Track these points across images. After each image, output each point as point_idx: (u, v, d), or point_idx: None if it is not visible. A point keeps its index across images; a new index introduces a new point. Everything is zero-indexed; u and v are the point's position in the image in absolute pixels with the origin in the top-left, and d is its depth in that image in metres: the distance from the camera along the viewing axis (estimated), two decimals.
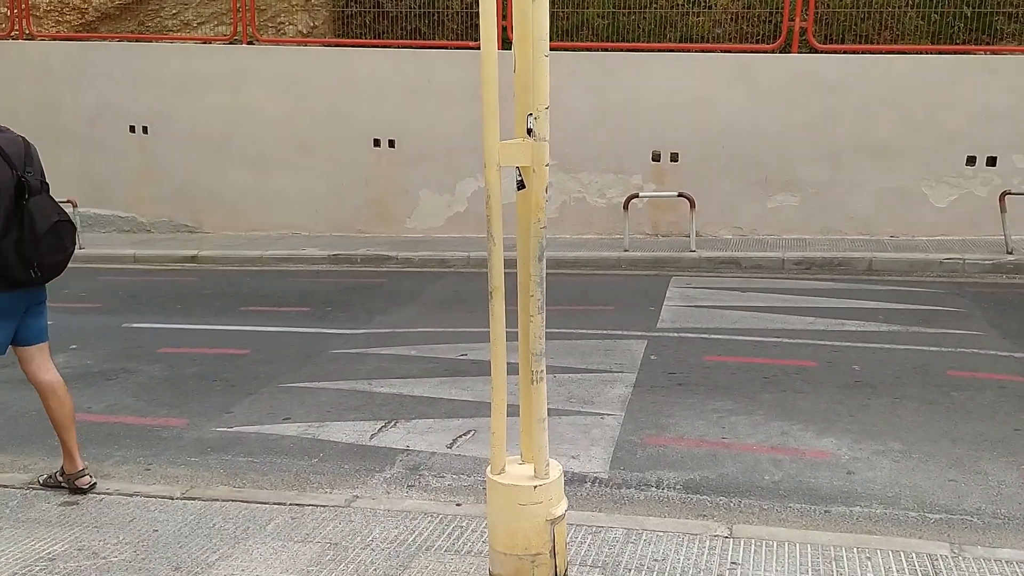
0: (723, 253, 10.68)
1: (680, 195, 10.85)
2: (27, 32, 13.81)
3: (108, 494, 4.54)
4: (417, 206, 12.89)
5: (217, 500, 4.40)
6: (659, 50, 12.15)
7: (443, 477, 4.73)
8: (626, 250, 10.98)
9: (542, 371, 3.08)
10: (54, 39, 14.09)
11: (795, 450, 4.85)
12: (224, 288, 10.08)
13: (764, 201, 11.74)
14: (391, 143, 12.81)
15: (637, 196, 11.14)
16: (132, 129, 13.42)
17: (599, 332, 7.44)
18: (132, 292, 9.92)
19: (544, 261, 3.05)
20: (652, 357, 6.63)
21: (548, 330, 7.46)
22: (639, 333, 7.30)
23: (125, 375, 6.70)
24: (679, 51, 12.08)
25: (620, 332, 7.39)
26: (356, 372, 6.56)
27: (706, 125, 11.72)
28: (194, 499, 4.43)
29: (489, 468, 3.20)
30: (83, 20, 14.53)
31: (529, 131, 3.05)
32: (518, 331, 3.32)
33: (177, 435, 5.47)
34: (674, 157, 11.88)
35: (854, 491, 4.36)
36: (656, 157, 11.96)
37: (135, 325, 8.28)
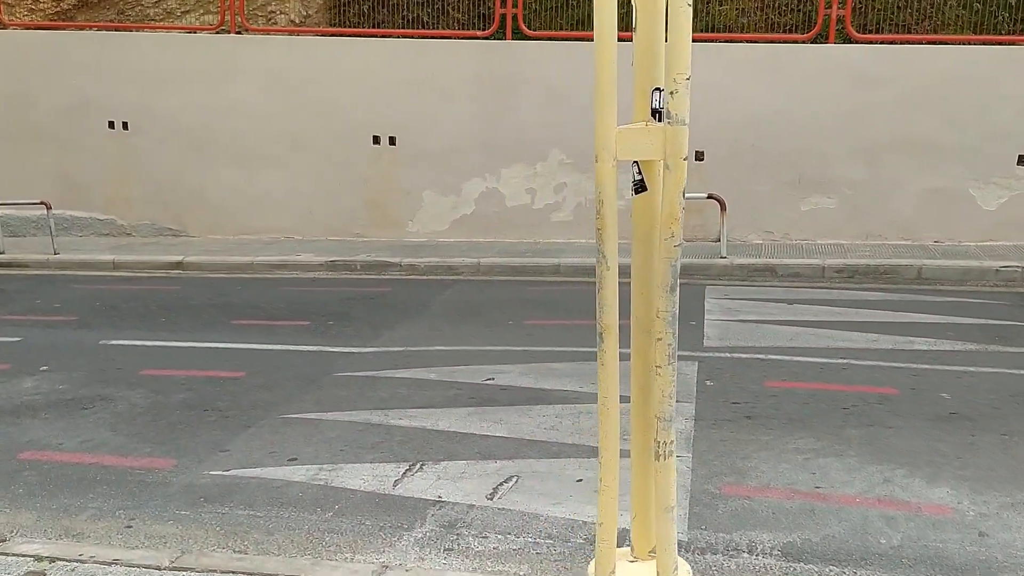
0: (757, 260, 9.97)
1: (710, 197, 10.13)
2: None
3: (82, 561, 3.77)
4: (420, 208, 12.12)
5: (215, 572, 3.64)
6: None
7: (486, 537, 3.97)
8: None
9: (671, 443, 2.31)
10: (26, 28, 13.24)
11: (907, 503, 4.12)
12: (212, 298, 9.29)
13: (797, 203, 11.04)
14: (391, 140, 12.04)
15: None
16: (111, 125, 12.59)
17: None
18: (111, 303, 9.11)
19: (677, 293, 2.29)
20: (708, 383, 5.89)
21: (577, 348, 6.72)
22: (686, 353, 6.57)
23: (103, 403, 5.91)
24: (703, 41, 11.35)
25: None
26: (369, 400, 5.80)
27: (734, 121, 11.01)
28: (186, 570, 3.67)
29: (593, 568, 2.43)
30: (58, 8, 13.69)
31: (655, 113, 2.29)
32: (631, 385, 2.55)
33: (164, 480, 4.70)
34: (699, 156, 11.17)
35: (993, 559, 3.63)
36: None
37: (114, 342, 7.48)
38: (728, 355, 6.55)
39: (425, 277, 10.40)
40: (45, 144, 12.71)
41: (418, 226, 12.16)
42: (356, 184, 12.20)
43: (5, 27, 13.04)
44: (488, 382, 6.07)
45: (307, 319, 8.25)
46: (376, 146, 12.09)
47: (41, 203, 11.60)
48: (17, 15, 13.53)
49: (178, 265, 11.03)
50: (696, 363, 6.33)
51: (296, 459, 4.89)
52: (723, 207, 10.05)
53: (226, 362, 6.82)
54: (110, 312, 8.69)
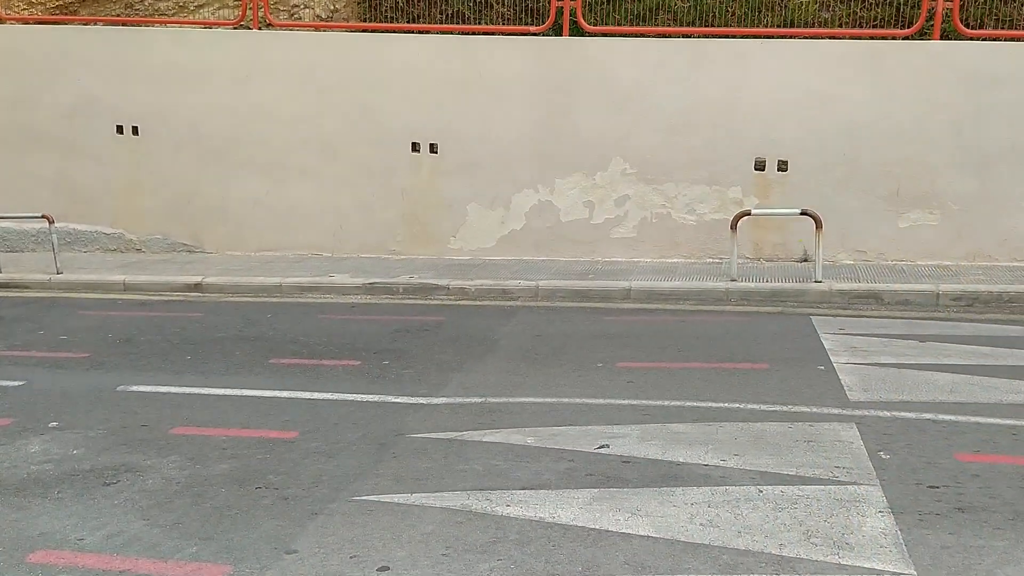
0: (857, 284, 8.93)
1: (804, 213, 9.08)
2: None
3: None
4: (463, 223, 11.08)
5: None
6: (760, 36, 10.40)
7: None
8: (734, 279, 9.20)
9: None
10: (25, 23, 12.21)
11: None
12: (242, 329, 8.24)
13: (894, 219, 10.00)
14: (432, 148, 11.00)
15: (749, 213, 9.35)
16: (120, 130, 11.55)
17: (775, 408, 5.64)
18: (126, 334, 8.06)
19: None
20: (882, 455, 4.83)
21: (696, 402, 5.65)
22: (834, 411, 5.52)
23: (129, 477, 4.85)
24: (785, 37, 10.33)
25: (806, 409, 5.60)
26: (460, 476, 4.74)
27: (822, 127, 9.98)
28: None
29: None
30: (60, 2, 12.66)
31: None
32: None
33: None
34: (782, 166, 10.13)
35: None
36: (760, 165, 10.20)
37: (135, 388, 6.42)
38: (887, 413, 5.48)
39: (478, 303, 9.35)
40: (46, 150, 11.67)
41: (461, 243, 11.11)
42: (393, 196, 11.15)
43: (2, 21, 12.01)
44: (603, 451, 5.00)
45: (357, 357, 7.20)
46: (415, 154, 11.04)
47: (43, 217, 10.55)
48: (15, 8, 12.50)
49: (197, 287, 9.99)
50: (854, 425, 5.27)
51: (388, 568, 3.84)
52: (819, 224, 9.00)
53: (272, 417, 5.76)
54: (126, 347, 7.63)
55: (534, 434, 5.28)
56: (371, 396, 6.17)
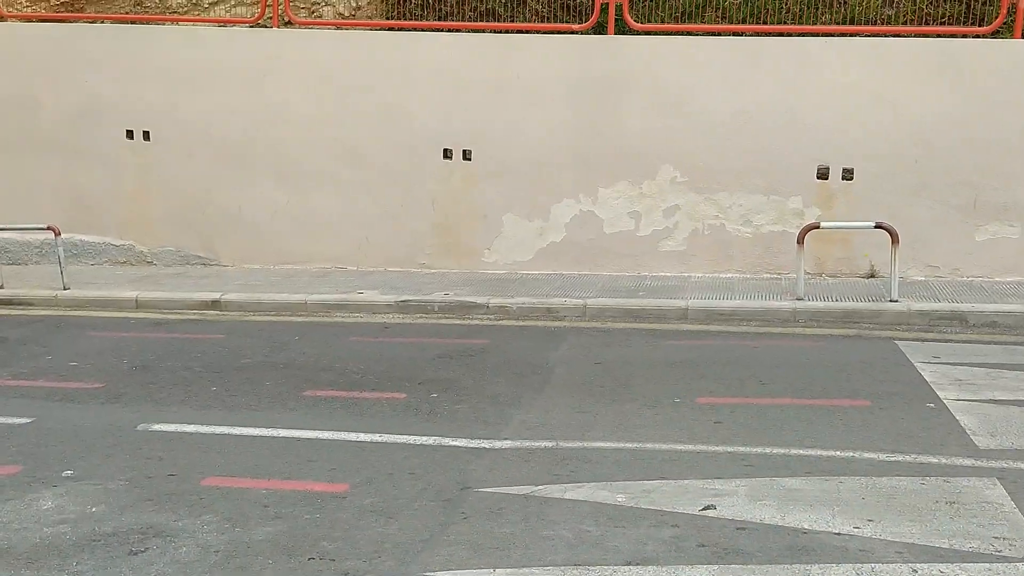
0: (938, 304, 8.28)
1: (878, 226, 8.42)
2: None
3: None
4: (499, 235, 10.42)
5: None
6: (818, 33, 9.76)
7: None
8: (800, 298, 8.55)
9: None
10: (28, 20, 11.57)
11: None
12: (269, 354, 7.57)
13: (970, 232, 9.36)
14: (465, 154, 10.35)
15: (818, 227, 8.68)
16: (129, 134, 10.90)
17: (896, 457, 4.97)
18: (143, 360, 7.39)
19: None
20: None
21: (806, 450, 4.97)
22: (965, 462, 4.86)
23: (159, 543, 4.19)
24: (846, 35, 9.68)
25: (933, 459, 4.92)
26: (548, 546, 4.07)
27: (891, 132, 9.34)
28: None
29: None
30: None
31: None
32: None
33: None
34: (847, 174, 9.48)
35: None
36: (823, 174, 9.55)
37: (158, 427, 5.76)
38: None
39: (521, 323, 8.69)
40: (50, 155, 11.02)
41: (496, 256, 10.46)
42: (422, 205, 10.50)
43: (3, 19, 11.36)
44: (709, 513, 4.34)
45: (400, 388, 6.54)
46: (447, 160, 10.39)
47: (48, 228, 9.89)
48: (17, 5, 11.86)
49: (215, 304, 9.33)
50: (996, 481, 4.60)
51: None
52: (895, 239, 8.34)
53: (315, 465, 5.10)
54: (143, 375, 6.96)
55: (624, 490, 4.62)
56: (424, 438, 5.51)
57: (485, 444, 5.40)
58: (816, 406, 5.90)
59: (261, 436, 5.59)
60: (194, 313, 9.24)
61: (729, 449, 5.16)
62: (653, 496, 4.54)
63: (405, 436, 5.55)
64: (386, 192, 10.54)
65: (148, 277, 10.47)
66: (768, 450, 5.12)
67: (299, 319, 8.97)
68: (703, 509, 4.37)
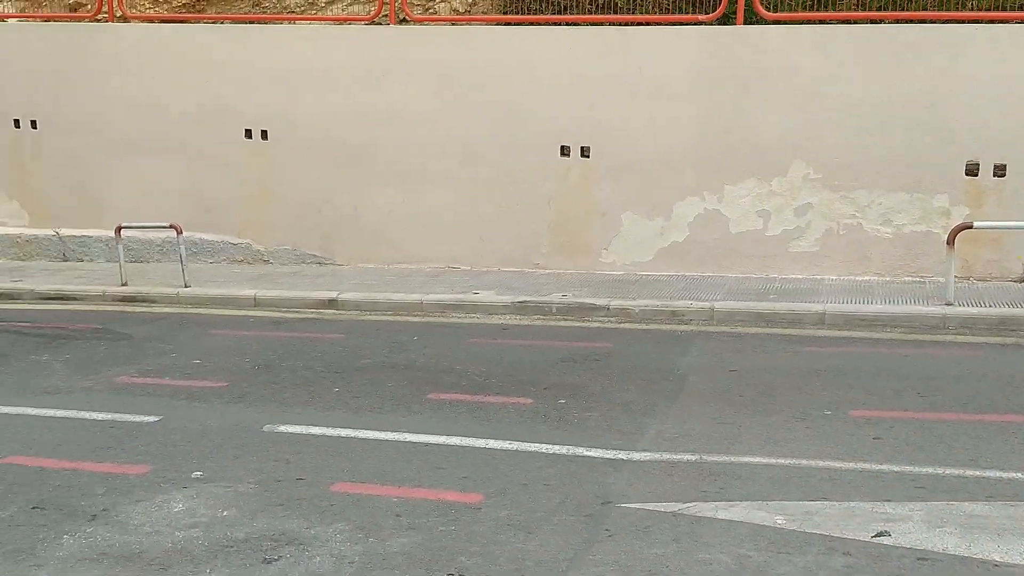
0: None
1: None
2: (118, 13, 11.54)
3: None
4: (617, 234, 10.10)
5: None
6: (965, 20, 9.11)
7: None
8: (950, 303, 7.96)
9: None
10: (150, 22, 11.82)
11: None
12: (388, 355, 7.44)
13: None
14: (583, 151, 10.07)
15: (971, 227, 8.08)
16: (248, 134, 11.01)
17: None
18: (264, 359, 7.35)
19: None
20: None
21: (980, 471, 4.38)
22: None
23: (293, 552, 4.04)
24: (997, 21, 9.00)
25: None
26: (706, 571, 3.74)
27: None
28: None
29: None
30: (186, 0, 12.26)
31: None
32: None
33: None
34: (998, 170, 8.83)
35: None
36: (972, 170, 8.91)
37: (284, 428, 5.66)
38: None
39: (644, 326, 8.36)
40: (172, 155, 11.22)
41: (614, 256, 10.14)
42: (538, 204, 10.26)
43: (127, 20, 11.64)
44: (883, 541, 3.94)
45: (525, 393, 6.30)
46: (564, 158, 10.13)
47: (171, 226, 10.04)
48: (140, 7, 12.15)
49: (332, 303, 9.29)
50: None
51: None
52: None
53: (446, 473, 4.90)
54: (266, 375, 6.91)
55: (782, 511, 4.25)
56: (557, 447, 5.25)
57: (622, 455, 5.10)
58: (986, 422, 5.39)
59: (387, 440, 5.43)
60: (311, 312, 9.22)
61: (895, 468, 4.72)
62: (816, 519, 4.16)
63: (536, 444, 5.30)
64: (502, 191, 10.35)
65: (265, 276, 10.54)
66: (939, 470, 4.67)
67: (415, 319, 8.84)
68: (876, 536, 3.97)
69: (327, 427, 5.66)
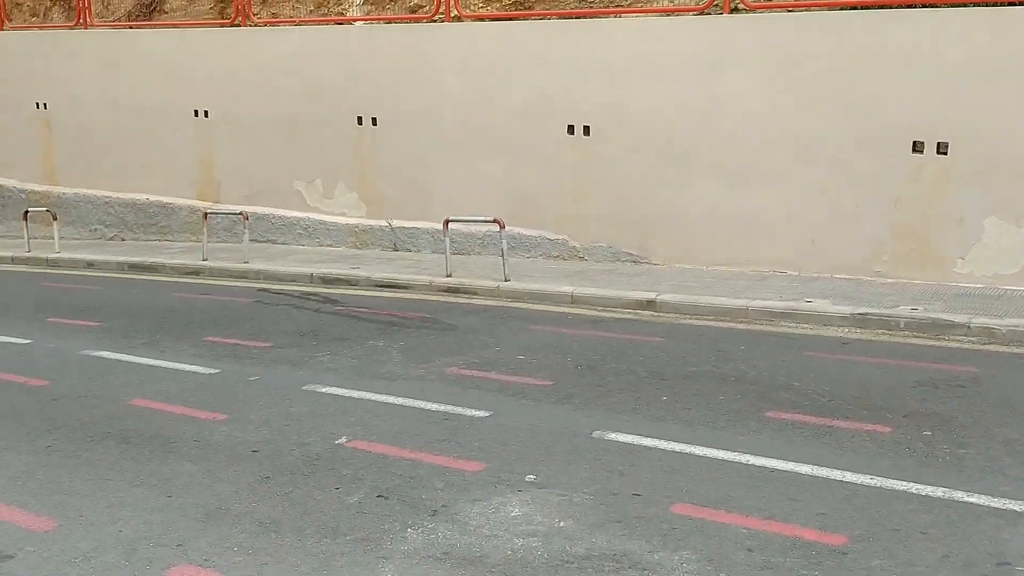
0: None
1: None
2: (454, 13, 12.00)
3: None
4: (977, 241, 8.93)
5: None
6: None
7: None
8: None
9: None
10: (481, 19, 12.17)
11: None
12: (716, 364, 6.98)
13: None
14: (940, 148, 9.00)
15: None
16: (570, 130, 11.00)
17: None
18: (586, 359, 7.19)
19: None
20: None
21: None
22: None
23: None
24: None
25: None
26: None
27: None
28: None
29: None
30: None
31: None
32: None
33: None
34: None
35: None
36: None
37: (613, 437, 5.39)
38: None
39: (1012, 349, 7.24)
40: (497, 151, 11.49)
41: (971, 267, 8.95)
42: (882, 206, 9.30)
43: (460, 19, 12.07)
44: None
45: (881, 420, 5.58)
46: (917, 155, 9.09)
47: (494, 220, 10.25)
48: (472, 7, 12.56)
49: (650, 304, 8.99)
50: None
51: None
52: None
53: (799, 506, 4.37)
54: (589, 376, 6.73)
55: None
56: (929, 488, 4.54)
57: (1014, 506, 4.30)
58: None
59: (727, 461, 5.00)
60: (629, 312, 8.97)
61: None
62: None
63: (903, 483, 4.62)
64: (838, 191, 9.50)
65: (581, 272, 10.46)
66: None
67: (740, 326, 8.30)
68: None
69: (659, 439, 5.33)
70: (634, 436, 5.39)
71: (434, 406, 6.07)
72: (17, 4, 16.52)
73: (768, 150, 9.82)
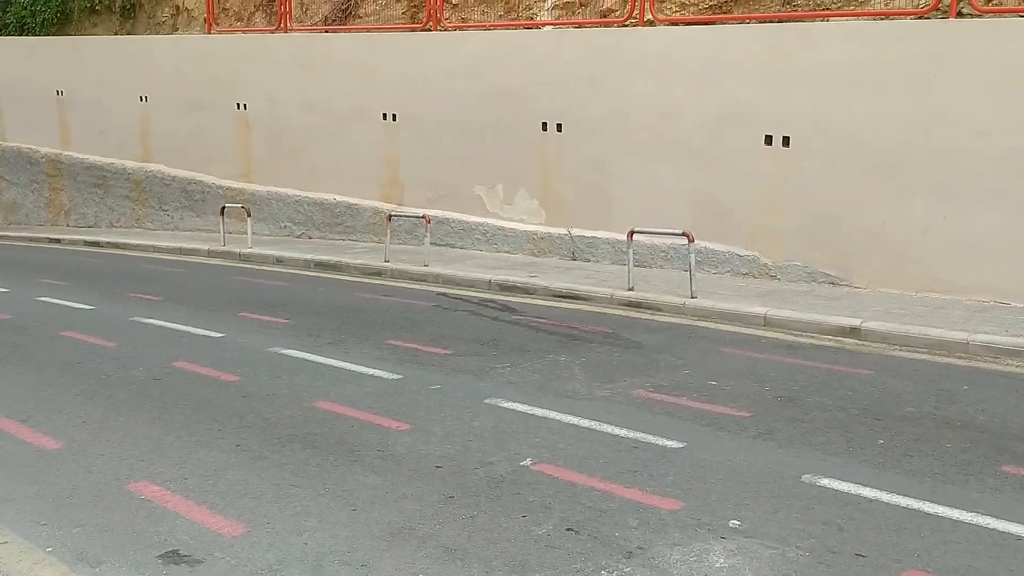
0: None
1: None
2: (648, 16, 11.61)
3: None
4: None
5: None
6: None
7: None
8: None
9: None
10: (675, 24, 11.72)
11: None
12: (936, 406, 6.26)
13: None
14: None
15: None
16: (768, 140, 10.39)
17: None
18: (784, 390, 6.64)
19: None
20: None
21: None
22: None
23: None
24: None
25: None
26: None
27: None
28: None
29: None
30: (713, 2, 11.97)
31: None
32: None
33: None
34: None
35: None
36: None
37: (826, 483, 4.87)
38: None
39: None
40: (685, 160, 11.02)
41: None
42: None
43: (653, 24, 11.66)
44: None
45: None
46: None
47: (683, 234, 9.79)
48: (667, 10, 12.13)
49: (853, 332, 8.29)
50: None
51: None
52: None
53: None
54: (790, 409, 6.19)
55: None
56: None
57: None
58: None
59: (963, 522, 4.39)
60: (829, 339, 8.30)
61: None
62: None
63: None
64: None
65: (773, 292, 9.83)
66: None
67: (959, 363, 7.49)
68: None
69: (880, 490, 4.77)
70: (850, 484, 4.85)
71: (622, 431, 5.72)
72: (224, 9, 17.43)
73: (993, 166, 8.90)
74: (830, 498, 4.69)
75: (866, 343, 8.15)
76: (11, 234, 18.32)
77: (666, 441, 5.54)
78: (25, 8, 20.59)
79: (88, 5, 19.74)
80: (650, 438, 5.59)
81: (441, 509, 4.60)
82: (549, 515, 4.50)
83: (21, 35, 20.53)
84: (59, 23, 20.31)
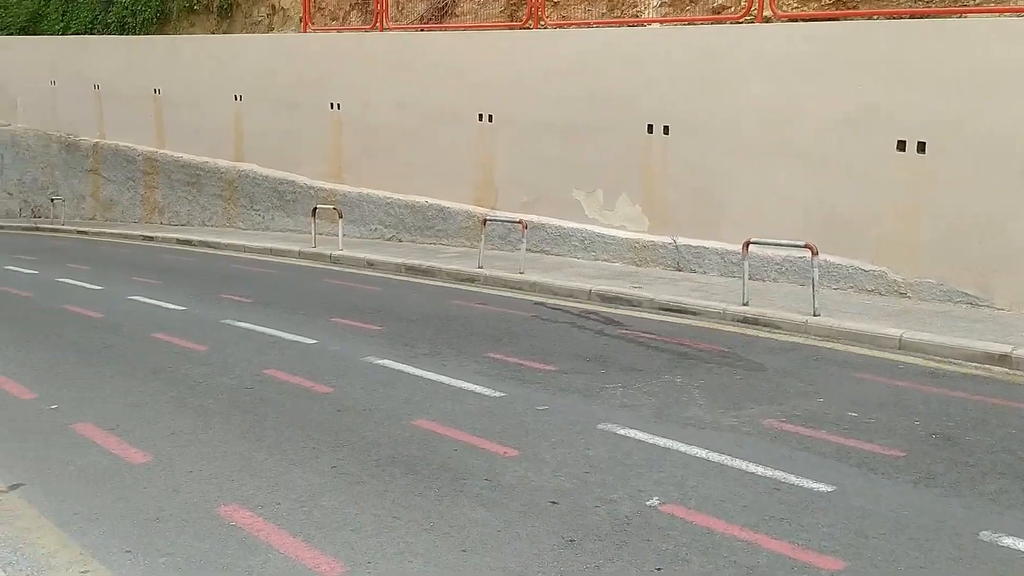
0: None
1: None
2: (767, 13, 10.89)
3: None
4: None
5: None
6: None
7: None
8: None
9: None
10: (794, 20, 10.98)
11: None
12: None
13: None
14: None
15: None
16: (900, 146, 9.57)
17: None
18: (938, 426, 5.89)
19: None
20: None
21: None
22: None
23: None
24: None
25: None
26: None
27: None
28: None
29: None
30: None
31: None
32: None
33: None
34: None
35: None
36: None
37: (1009, 542, 4.18)
38: None
39: None
40: (803, 166, 10.28)
41: None
42: None
43: (772, 20, 10.94)
44: None
45: None
46: None
47: (805, 246, 9.07)
48: (785, 6, 11.39)
49: (1003, 360, 7.46)
50: None
51: None
52: None
53: None
54: (949, 449, 5.46)
55: None
56: None
57: None
58: None
59: None
60: (976, 367, 7.49)
61: None
62: None
63: None
64: None
65: (906, 312, 9.02)
66: None
67: None
68: None
69: None
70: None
71: (759, 469, 5.09)
72: (320, 8, 17.28)
73: None
74: (1018, 562, 3.99)
75: (1018, 372, 7.32)
76: (107, 230, 18.53)
77: (812, 483, 4.89)
78: (126, 8, 20.88)
79: (187, 5, 19.90)
80: (792, 478, 4.96)
81: (561, 555, 4.07)
82: (686, 569, 3.92)
83: (122, 34, 20.82)
84: (159, 23, 20.54)
